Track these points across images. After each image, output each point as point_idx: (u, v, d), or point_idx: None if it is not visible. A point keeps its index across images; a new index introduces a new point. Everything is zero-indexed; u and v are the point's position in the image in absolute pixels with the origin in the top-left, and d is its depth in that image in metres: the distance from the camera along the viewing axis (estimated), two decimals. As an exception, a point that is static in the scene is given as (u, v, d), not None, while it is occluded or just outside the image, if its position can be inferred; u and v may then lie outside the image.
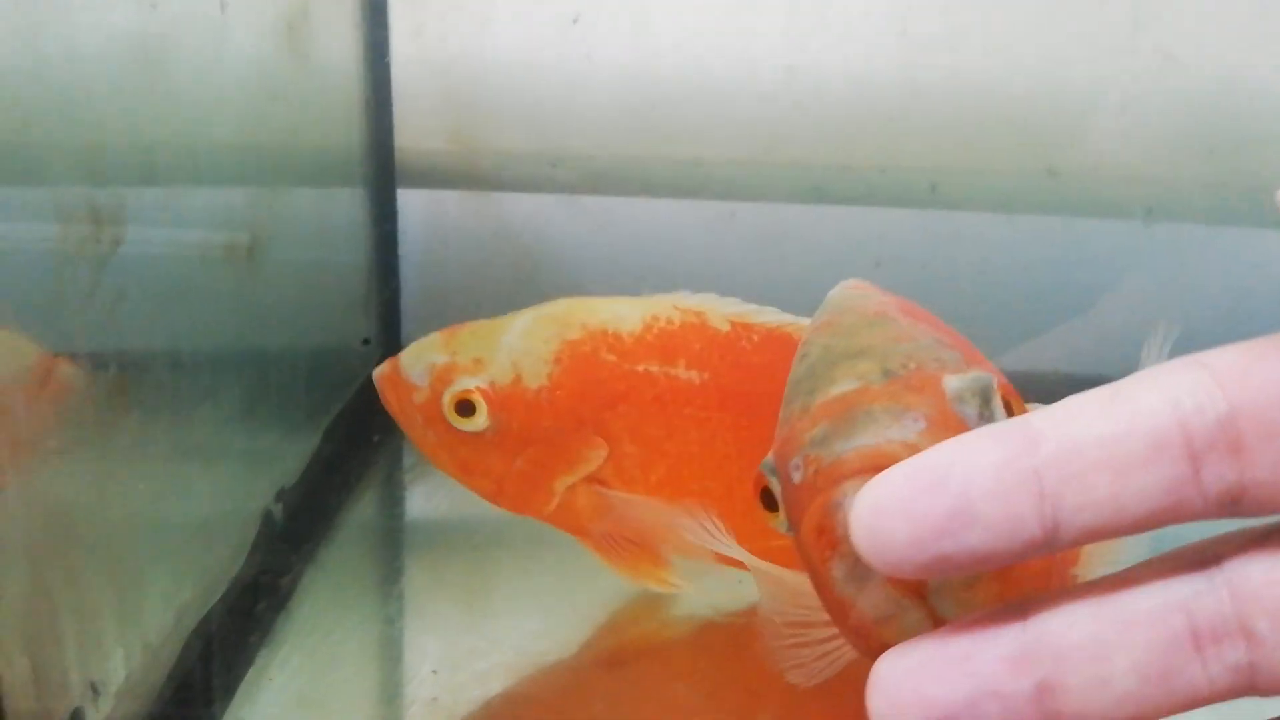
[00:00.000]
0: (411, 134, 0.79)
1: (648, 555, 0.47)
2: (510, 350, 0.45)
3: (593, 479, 0.46)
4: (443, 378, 0.45)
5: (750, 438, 0.45)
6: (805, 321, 0.47)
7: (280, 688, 0.45)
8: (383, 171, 0.80)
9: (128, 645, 0.38)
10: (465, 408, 0.44)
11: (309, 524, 0.57)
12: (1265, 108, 0.72)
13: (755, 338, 0.46)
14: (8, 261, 0.31)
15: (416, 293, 0.82)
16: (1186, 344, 0.26)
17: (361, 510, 0.62)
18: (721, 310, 0.47)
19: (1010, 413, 0.30)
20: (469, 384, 0.44)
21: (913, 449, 0.28)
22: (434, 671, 0.47)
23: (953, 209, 0.79)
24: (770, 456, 0.31)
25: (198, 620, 0.44)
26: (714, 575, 0.48)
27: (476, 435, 0.45)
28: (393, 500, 0.67)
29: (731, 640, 0.50)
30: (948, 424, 0.29)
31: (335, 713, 0.46)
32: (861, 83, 0.78)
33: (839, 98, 0.78)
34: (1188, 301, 0.74)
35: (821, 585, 0.30)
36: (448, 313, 0.83)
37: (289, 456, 0.57)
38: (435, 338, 0.47)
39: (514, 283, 0.82)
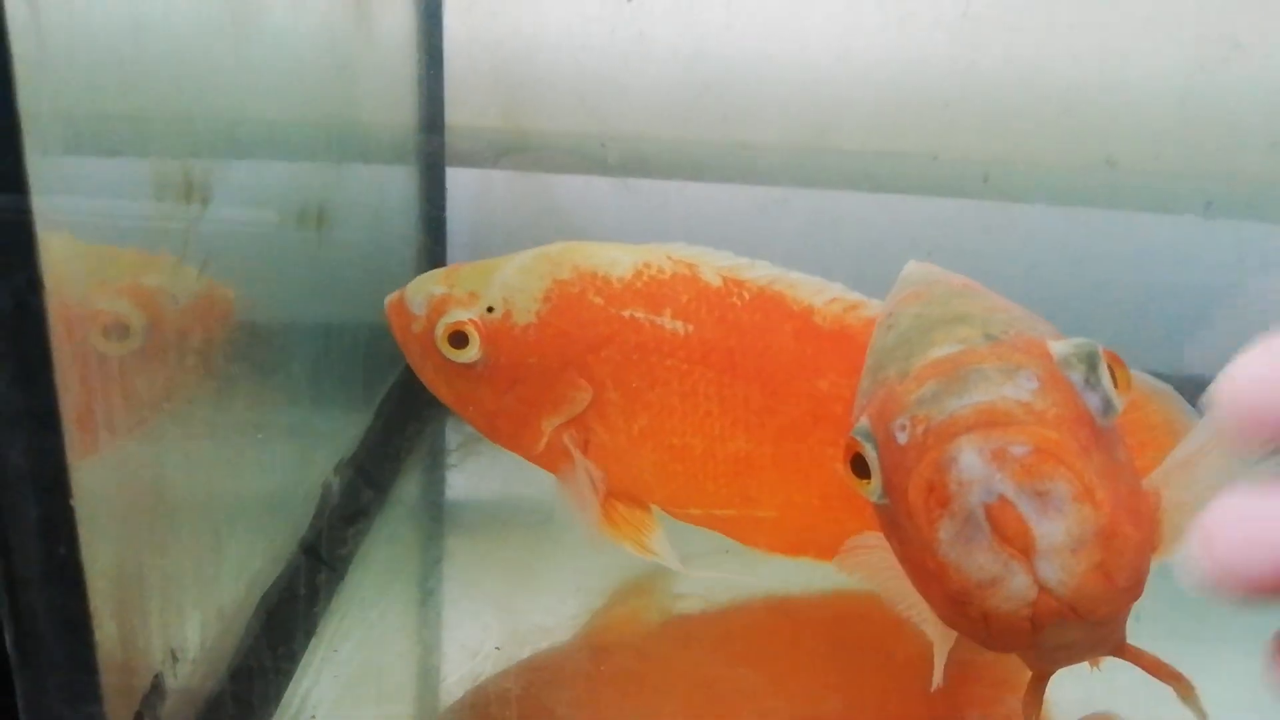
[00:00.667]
0: (462, 111, 0.79)
1: (635, 516, 0.47)
2: (504, 286, 0.45)
3: (578, 423, 0.46)
4: (438, 308, 0.45)
5: (733, 395, 0.45)
6: (797, 277, 0.48)
7: (344, 659, 0.46)
8: (434, 149, 0.79)
9: (204, 613, 0.38)
10: (458, 339, 0.45)
11: (363, 497, 0.57)
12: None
13: (746, 295, 0.46)
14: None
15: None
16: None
17: (409, 486, 0.62)
18: (714, 263, 0.47)
19: (1115, 380, 0.30)
20: (461, 316, 0.45)
21: (1027, 408, 0.29)
22: (496, 648, 0.47)
23: (1006, 199, 0.79)
24: (864, 421, 0.31)
25: (265, 590, 0.44)
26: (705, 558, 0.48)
27: (469, 367, 0.45)
28: (437, 478, 0.67)
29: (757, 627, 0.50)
30: (1058, 386, 0.29)
31: (391, 683, 0.46)
32: (917, 68, 0.77)
33: (893, 82, 0.77)
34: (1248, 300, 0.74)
35: (921, 549, 0.30)
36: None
37: (347, 430, 0.57)
38: (438, 272, 0.48)
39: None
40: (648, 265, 0.46)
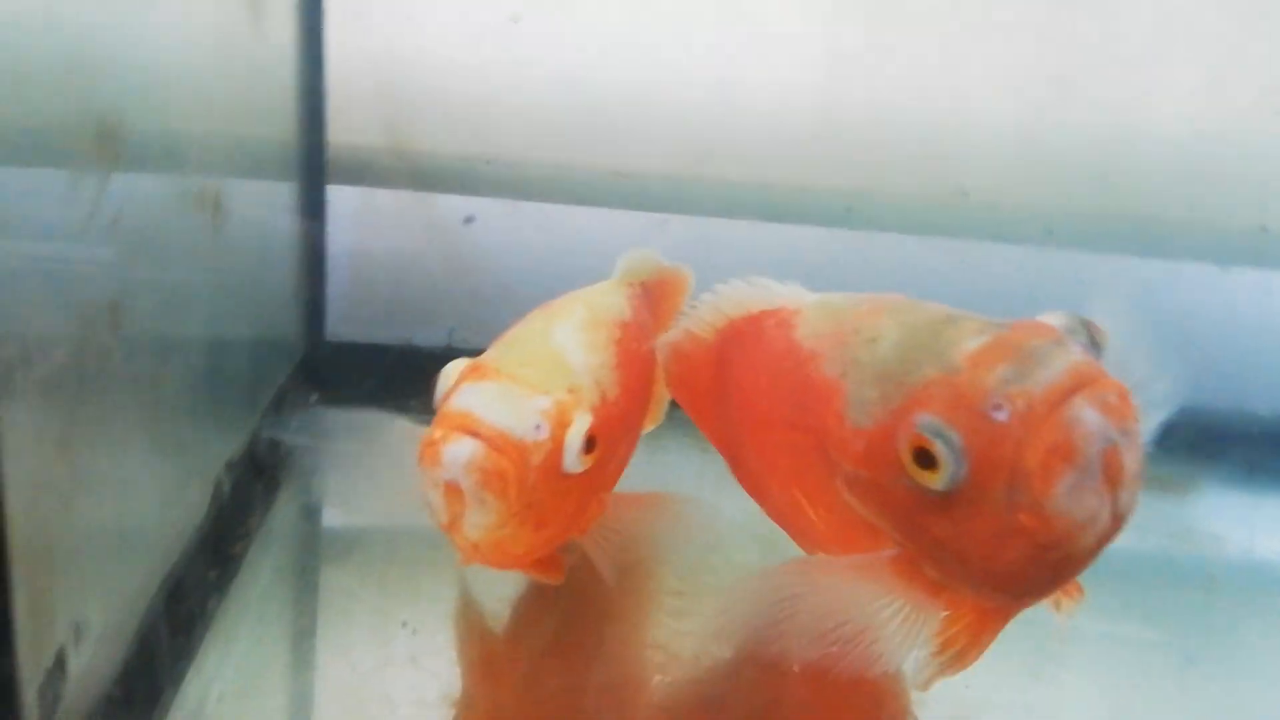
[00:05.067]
0: (344, 128, 0.80)
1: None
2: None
3: None
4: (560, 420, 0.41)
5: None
6: None
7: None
8: (314, 164, 0.79)
9: (107, 592, 0.37)
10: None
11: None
12: (1156, 141, 0.79)
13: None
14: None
15: (344, 285, 0.81)
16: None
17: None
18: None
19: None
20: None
21: (1094, 365, 0.34)
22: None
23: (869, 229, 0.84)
24: (927, 416, 0.34)
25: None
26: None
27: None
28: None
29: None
30: (1086, 353, 0.34)
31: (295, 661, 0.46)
32: (789, 103, 0.82)
33: (765, 114, 0.82)
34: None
35: (995, 518, 0.33)
36: (374, 306, 0.84)
37: (236, 431, 0.56)
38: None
39: (443, 279, 0.82)
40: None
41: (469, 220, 0.79)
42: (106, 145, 0.36)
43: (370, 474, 0.46)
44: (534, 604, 0.50)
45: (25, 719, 0.30)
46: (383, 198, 0.81)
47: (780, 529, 0.48)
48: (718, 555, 0.53)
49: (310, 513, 0.59)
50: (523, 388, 0.40)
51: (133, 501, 0.41)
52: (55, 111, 0.33)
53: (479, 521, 0.39)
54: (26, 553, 0.30)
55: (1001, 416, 0.33)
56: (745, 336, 0.47)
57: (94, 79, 0.35)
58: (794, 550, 0.47)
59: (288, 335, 0.73)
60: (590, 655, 0.47)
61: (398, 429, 0.45)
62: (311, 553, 0.57)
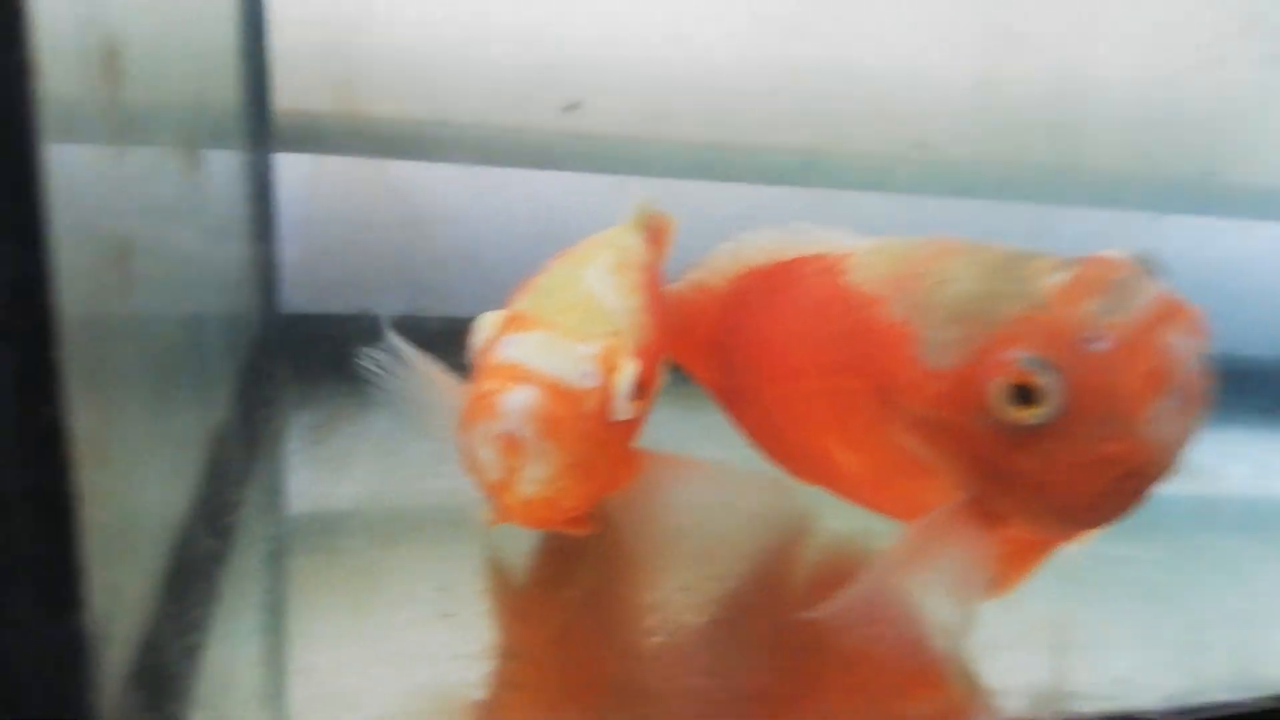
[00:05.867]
0: (290, 92, 0.76)
1: None
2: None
3: None
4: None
5: None
6: None
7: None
8: (259, 132, 0.76)
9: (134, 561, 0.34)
10: None
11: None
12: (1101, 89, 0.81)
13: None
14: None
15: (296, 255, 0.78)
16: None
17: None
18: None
19: None
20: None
21: (1180, 297, 0.35)
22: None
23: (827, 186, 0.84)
24: (1023, 352, 0.34)
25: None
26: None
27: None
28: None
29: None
30: (1158, 284, 0.36)
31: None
32: (737, 62, 0.81)
33: (723, 74, 0.81)
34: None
35: (1087, 446, 0.34)
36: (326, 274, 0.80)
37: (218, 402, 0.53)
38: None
39: (399, 246, 0.79)
40: None
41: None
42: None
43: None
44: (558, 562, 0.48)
45: (96, 686, 0.27)
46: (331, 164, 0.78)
47: (792, 478, 0.48)
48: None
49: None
50: (568, 335, 0.39)
51: (142, 469, 0.38)
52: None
53: (537, 475, 0.37)
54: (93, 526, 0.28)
55: (1100, 348, 0.34)
56: (771, 284, 0.46)
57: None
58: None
59: (246, 308, 0.70)
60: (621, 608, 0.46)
61: (439, 380, 0.43)
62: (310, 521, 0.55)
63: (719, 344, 0.51)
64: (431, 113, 0.79)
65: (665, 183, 0.83)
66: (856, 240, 0.46)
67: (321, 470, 0.60)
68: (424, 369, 0.44)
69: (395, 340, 0.45)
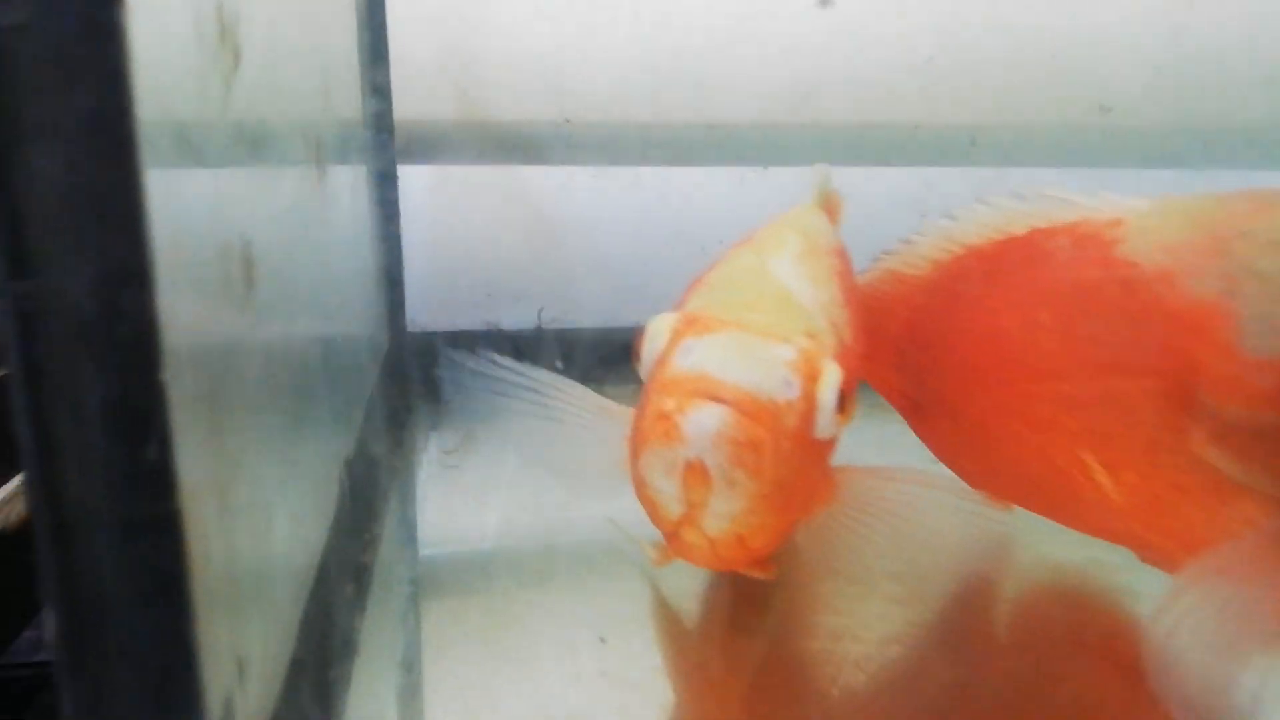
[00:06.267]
0: (412, 101, 0.72)
1: None
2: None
3: None
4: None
5: None
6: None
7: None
8: (382, 143, 0.72)
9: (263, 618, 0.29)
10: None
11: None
12: None
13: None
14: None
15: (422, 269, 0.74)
16: None
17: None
18: None
19: None
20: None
21: None
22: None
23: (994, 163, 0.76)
24: None
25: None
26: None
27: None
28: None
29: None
30: None
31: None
32: (897, 36, 0.74)
33: (871, 52, 0.74)
34: None
35: None
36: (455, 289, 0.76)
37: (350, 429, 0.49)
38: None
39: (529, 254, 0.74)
40: None
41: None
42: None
43: (565, 447, 0.38)
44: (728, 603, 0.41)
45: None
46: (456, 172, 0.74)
47: (1013, 505, 0.40)
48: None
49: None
50: (759, 337, 0.32)
51: (271, 510, 0.33)
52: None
53: (726, 509, 0.30)
54: (204, 586, 0.23)
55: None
56: (998, 266, 0.38)
57: None
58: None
59: (375, 326, 0.65)
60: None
61: (592, 402, 0.36)
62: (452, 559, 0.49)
63: (916, 342, 0.43)
64: (556, 111, 0.74)
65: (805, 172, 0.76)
66: (1125, 202, 0.36)
67: (459, 499, 0.55)
68: (573, 389, 0.37)
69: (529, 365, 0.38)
